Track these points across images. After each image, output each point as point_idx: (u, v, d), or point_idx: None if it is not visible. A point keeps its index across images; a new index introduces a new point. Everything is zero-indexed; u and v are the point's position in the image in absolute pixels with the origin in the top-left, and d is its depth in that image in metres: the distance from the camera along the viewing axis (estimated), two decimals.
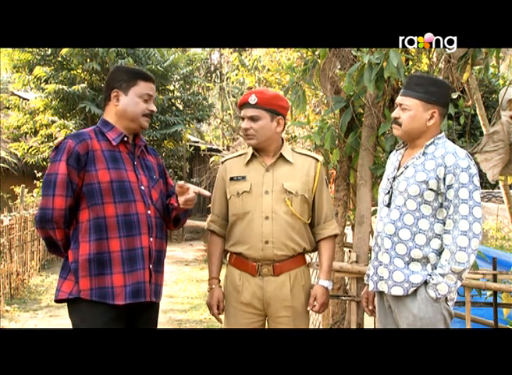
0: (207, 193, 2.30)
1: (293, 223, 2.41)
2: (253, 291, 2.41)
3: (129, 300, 2.11)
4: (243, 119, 2.45)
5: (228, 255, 2.54)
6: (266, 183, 2.43)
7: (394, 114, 2.31)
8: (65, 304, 2.18)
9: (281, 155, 2.46)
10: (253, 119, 2.41)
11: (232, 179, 2.48)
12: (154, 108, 2.27)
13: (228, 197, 2.49)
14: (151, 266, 2.17)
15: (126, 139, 2.22)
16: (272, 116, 2.42)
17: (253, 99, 2.40)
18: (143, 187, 2.21)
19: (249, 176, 2.45)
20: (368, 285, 2.40)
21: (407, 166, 2.29)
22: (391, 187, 2.33)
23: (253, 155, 2.49)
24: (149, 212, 2.19)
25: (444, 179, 2.18)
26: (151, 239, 2.18)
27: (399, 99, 2.30)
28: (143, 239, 2.15)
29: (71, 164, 2.10)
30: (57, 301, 2.17)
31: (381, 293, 2.35)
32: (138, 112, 2.21)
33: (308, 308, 2.45)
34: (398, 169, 2.34)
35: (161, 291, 2.29)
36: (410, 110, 2.25)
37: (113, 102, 2.22)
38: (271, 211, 2.39)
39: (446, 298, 2.19)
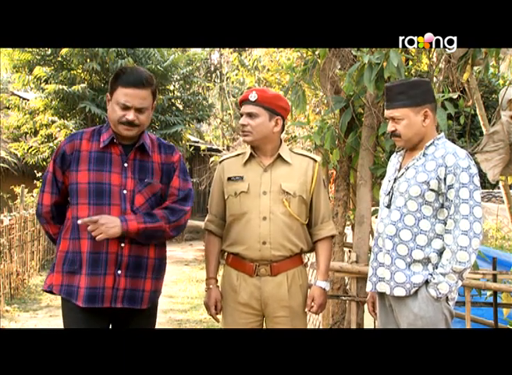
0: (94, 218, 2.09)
1: (290, 224, 2.40)
2: (250, 291, 2.40)
3: (85, 304, 2.11)
4: (242, 115, 2.45)
5: (225, 254, 2.53)
6: (264, 184, 2.42)
7: (390, 128, 2.31)
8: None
9: (279, 156, 2.46)
10: (251, 115, 2.40)
11: (229, 179, 2.47)
12: (131, 118, 2.14)
13: (225, 197, 2.48)
14: (119, 272, 2.13)
15: (115, 141, 2.21)
16: (271, 115, 2.41)
17: (253, 96, 2.40)
18: (125, 191, 2.18)
19: (247, 177, 2.44)
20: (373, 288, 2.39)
21: (408, 168, 2.29)
22: (391, 189, 2.33)
23: (251, 155, 2.48)
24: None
25: (445, 179, 2.18)
26: (123, 244, 2.14)
27: (388, 113, 2.31)
28: (110, 244, 2.13)
29: (57, 163, 2.21)
30: (44, 291, 2.27)
31: (381, 293, 2.35)
32: (115, 119, 2.18)
33: (306, 310, 2.45)
34: (399, 171, 2.34)
35: (147, 297, 2.20)
36: (402, 120, 2.26)
37: (107, 106, 2.26)
38: (268, 212, 2.39)
39: (447, 297, 2.19)
